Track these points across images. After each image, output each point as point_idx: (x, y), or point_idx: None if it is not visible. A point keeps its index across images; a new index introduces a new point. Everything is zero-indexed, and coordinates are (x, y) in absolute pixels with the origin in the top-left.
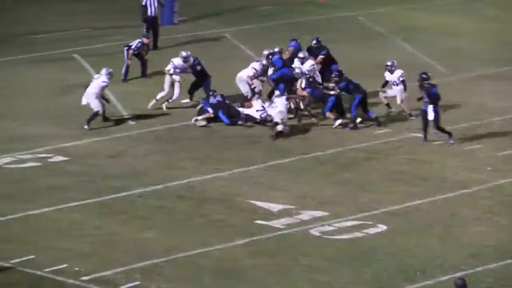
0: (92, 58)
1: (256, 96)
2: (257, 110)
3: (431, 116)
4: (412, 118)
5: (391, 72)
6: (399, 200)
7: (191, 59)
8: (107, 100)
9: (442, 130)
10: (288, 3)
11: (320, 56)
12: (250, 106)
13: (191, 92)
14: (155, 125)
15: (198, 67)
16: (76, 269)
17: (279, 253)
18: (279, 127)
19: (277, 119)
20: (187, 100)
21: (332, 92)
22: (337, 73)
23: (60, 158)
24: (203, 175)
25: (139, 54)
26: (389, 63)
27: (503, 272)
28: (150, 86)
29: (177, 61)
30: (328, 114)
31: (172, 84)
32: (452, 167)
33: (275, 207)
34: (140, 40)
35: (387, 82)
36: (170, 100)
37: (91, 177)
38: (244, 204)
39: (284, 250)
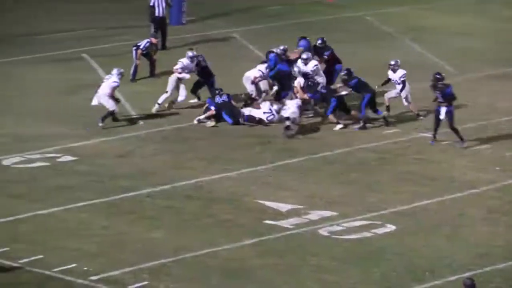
0: (101, 58)
1: (264, 94)
2: (264, 112)
3: (442, 115)
4: (421, 117)
5: (394, 71)
6: (407, 200)
7: (198, 58)
8: (118, 100)
9: (456, 131)
10: (296, 3)
11: (324, 56)
12: (258, 108)
13: (194, 91)
14: (163, 125)
15: (203, 63)
16: (85, 269)
17: (288, 253)
18: (287, 122)
19: (289, 118)
20: (195, 100)
21: (344, 92)
22: (346, 71)
23: (68, 158)
24: (211, 175)
25: (148, 54)
26: (392, 62)
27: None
28: (158, 86)
29: (186, 61)
30: (330, 117)
31: (177, 86)
32: (461, 167)
33: (283, 207)
34: (148, 40)
35: (389, 80)
36: (178, 101)
37: (99, 177)
38: (252, 204)
39: (292, 250)
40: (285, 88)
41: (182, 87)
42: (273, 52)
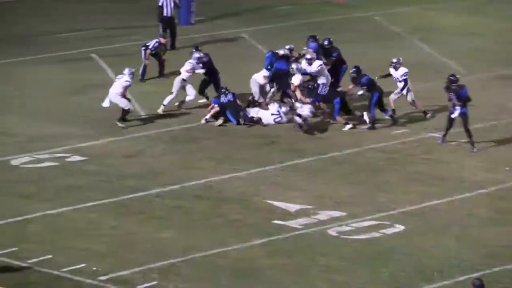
0: (110, 58)
1: (272, 92)
2: (272, 114)
3: (455, 114)
4: (428, 114)
5: (396, 69)
6: (416, 200)
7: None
8: (129, 100)
9: (469, 134)
10: (305, 3)
11: (332, 58)
12: (266, 109)
13: (202, 92)
14: (172, 125)
15: (208, 62)
16: (94, 269)
17: (297, 253)
18: (299, 120)
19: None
20: (204, 100)
21: (360, 92)
22: (355, 69)
23: (77, 158)
24: (221, 175)
25: (157, 54)
26: (394, 60)
27: None
28: (167, 86)
29: (193, 61)
30: (338, 118)
31: (183, 87)
32: (470, 167)
33: (292, 207)
34: (157, 40)
35: (389, 75)
36: (187, 101)
37: (108, 177)
38: (261, 204)
39: (301, 250)
40: (282, 86)
41: (189, 87)
42: (270, 51)
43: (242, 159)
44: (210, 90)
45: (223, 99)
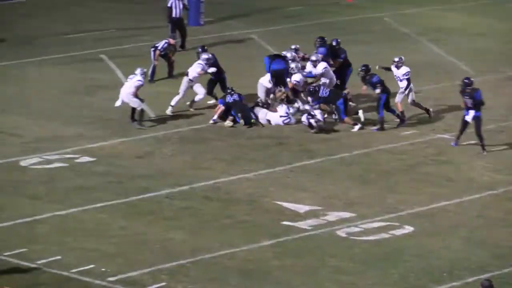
0: (119, 59)
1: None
2: (280, 116)
3: (469, 118)
4: (430, 110)
5: (398, 67)
6: (425, 201)
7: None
8: (142, 100)
9: (481, 138)
10: (315, 4)
11: (339, 60)
12: (275, 111)
13: (210, 92)
14: (181, 125)
15: (213, 60)
16: (103, 269)
17: (306, 254)
18: (312, 120)
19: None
20: (213, 101)
21: (377, 91)
22: (364, 67)
23: (86, 158)
24: (230, 176)
25: (166, 55)
26: (396, 59)
27: None
28: (177, 87)
29: (203, 62)
30: (346, 119)
31: (190, 87)
32: (479, 168)
33: (301, 208)
34: (166, 40)
35: (390, 69)
36: (196, 100)
37: (118, 178)
38: (270, 205)
39: (310, 251)
40: (279, 83)
41: (198, 86)
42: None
43: (251, 160)
44: (218, 91)
45: (229, 98)
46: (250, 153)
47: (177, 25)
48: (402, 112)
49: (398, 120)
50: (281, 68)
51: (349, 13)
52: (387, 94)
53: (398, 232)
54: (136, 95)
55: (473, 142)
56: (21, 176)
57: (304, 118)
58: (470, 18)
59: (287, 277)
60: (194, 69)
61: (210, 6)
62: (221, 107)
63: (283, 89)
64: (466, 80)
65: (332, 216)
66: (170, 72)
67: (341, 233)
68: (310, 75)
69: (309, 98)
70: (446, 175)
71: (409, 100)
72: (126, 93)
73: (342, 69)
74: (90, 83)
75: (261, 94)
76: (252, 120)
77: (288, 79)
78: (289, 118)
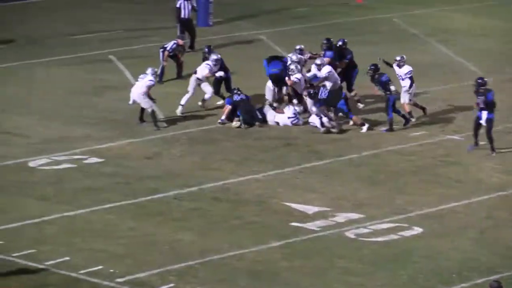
0: (128, 59)
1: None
2: (288, 117)
3: (483, 120)
4: (426, 108)
5: (400, 66)
6: (434, 203)
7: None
8: (154, 100)
9: (491, 140)
10: (323, 5)
11: (345, 61)
12: (282, 112)
13: (217, 92)
14: (190, 126)
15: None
16: (111, 270)
17: (314, 255)
18: (328, 124)
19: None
20: (222, 101)
21: (392, 88)
22: (373, 67)
23: (94, 159)
24: (238, 177)
25: (175, 55)
26: (398, 58)
27: None
28: (185, 88)
29: (211, 63)
30: (354, 118)
31: (199, 85)
32: (488, 169)
33: (310, 209)
34: (175, 41)
35: (392, 66)
36: (205, 98)
37: (126, 179)
38: (279, 206)
39: (319, 252)
40: (279, 86)
41: (205, 85)
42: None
43: (260, 161)
44: (224, 90)
45: (236, 97)
46: (259, 154)
47: (186, 26)
48: (409, 113)
49: (408, 121)
50: (278, 72)
51: (358, 14)
52: (396, 95)
53: (407, 233)
54: (148, 95)
55: (482, 143)
56: (30, 177)
57: (311, 119)
58: (476, 19)
59: (295, 278)
60: (202, 70)
61: (219, 6)
62: (228, 107)
63: (284, 91)
64: (479, 80)
65: (341, 217)
66: (179, 72)
67: (350, 234)
68: (315, 79)
69: (309, 100)
70: (455, 176)
71: (406, 99)
72: (138, 93)
73: (348, 70)
74: (98, 84)
75: (269, 97)
76: (257, 123)
77: (287, 78)
78: (297, 118)
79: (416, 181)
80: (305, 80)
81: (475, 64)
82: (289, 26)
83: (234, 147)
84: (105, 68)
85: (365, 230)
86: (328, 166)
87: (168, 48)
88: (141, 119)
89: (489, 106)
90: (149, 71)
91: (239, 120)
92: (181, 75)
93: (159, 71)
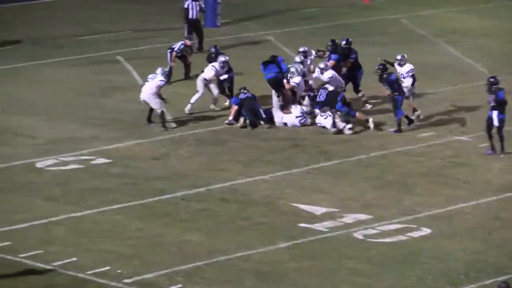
0: (135, 60)
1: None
2: (296, 117)
3: (496, 121)
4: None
5: (401, 65)
6: (442, 203)
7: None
8: (165, 100)
9: (502, 138)
10: (331, 6)
11: (350, 60)
12: (289, 112)
13: (223, 91)
14: (198, 127)
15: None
16: (119, 271)
17: (322, 256)
18: (341, 125)
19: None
20: (228, 102)
21: (405, 85)
22: (381, 67)
23: (102, 160)
24: (246, 177)
25: (182, 56)
26: (399, 57)
27: None
28: (193, 88)
29: (218, 65)
30: (358, 115)
31: (206, 85)
32: (496, 170)
33: (318, 210)
34: (183, 42)
35: (393, 65)
36: (215, 97)
37: (134, 179)
38: (287, 207)
39: (327, 253)
40: (278, 90)
41: (213, 86)
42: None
43: (268, 162)
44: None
45: (242, 96)
46: (266, 155)
47: (194, 27)
48: (414, 108)
49: (412, 121)
50: (273, 76)
51: (366, 14)
52: (403, 95)
53: (415, 234)
54: (159, 95)
55: (485, 144)
56: (37, 178)
57: (318, 119)
58: (486, 20)
59: (303, 279)
60: (208, 72)
61: (227, 7)
62: (234, 107)
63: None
64: (491, 79)
65: (349, 218)
66: (186, 73)
67: (358, 235)
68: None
69: (307, 101)
70: (463, 177)
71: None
72: (148, 93)
73: (353, 71)
74: (105, 85)
75: (274, 99)
76: (261, 122)
77: (285, 81)
78: (305, 118)
79: (425, 182)
80: (305, 82)
81: (483, 65)
82: (297, 27)
83: (242, 148)
84: (112, 68)
85: (373, 231)
86: (336, 167)
87: (176, 49)
88: (149, 120)
89: (500, 104)
90: (159, 71)
91: (244, 120)
92: (189, 76)
93: (167, 72)
